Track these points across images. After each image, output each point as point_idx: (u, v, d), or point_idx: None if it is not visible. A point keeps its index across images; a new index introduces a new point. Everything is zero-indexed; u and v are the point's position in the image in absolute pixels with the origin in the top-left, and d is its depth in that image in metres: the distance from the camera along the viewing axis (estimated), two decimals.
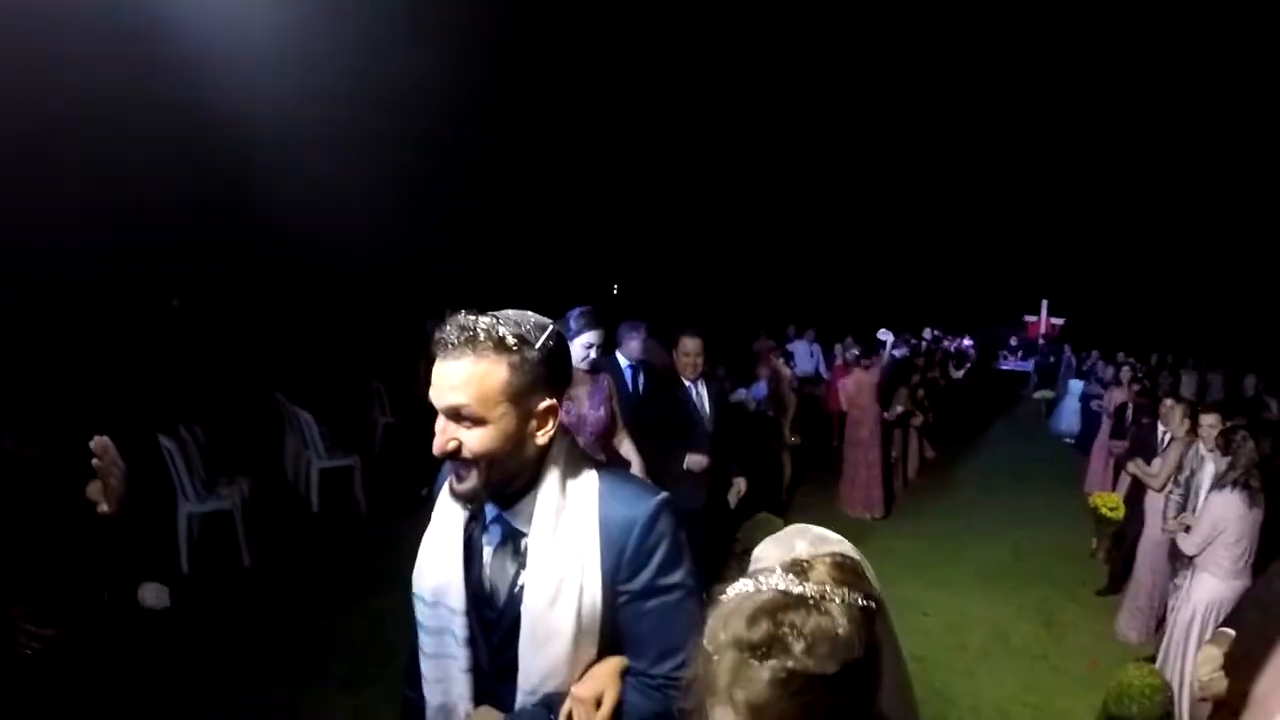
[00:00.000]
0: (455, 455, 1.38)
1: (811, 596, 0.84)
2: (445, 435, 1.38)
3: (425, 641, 1.60)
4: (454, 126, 13.64)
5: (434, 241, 13.95)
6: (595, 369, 3.73)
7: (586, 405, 3.60)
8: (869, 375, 8.05)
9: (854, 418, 8.11)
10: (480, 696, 1.55)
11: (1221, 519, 3.90)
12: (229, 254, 11.64)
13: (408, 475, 7.99)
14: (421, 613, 1.59)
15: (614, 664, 1.47)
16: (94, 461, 2.16)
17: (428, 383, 1.40)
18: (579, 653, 1.45)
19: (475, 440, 1.37)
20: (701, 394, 4.79)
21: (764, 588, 0.86)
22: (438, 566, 1.56)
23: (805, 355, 12.35)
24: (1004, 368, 18.07)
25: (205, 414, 6.27)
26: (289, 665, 4.22)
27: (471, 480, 1.40)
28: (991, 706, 4.16)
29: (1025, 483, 9.15)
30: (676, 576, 1.48)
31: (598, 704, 1.41)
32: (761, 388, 7.89)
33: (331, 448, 6.94)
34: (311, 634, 4.57)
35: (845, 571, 0.91)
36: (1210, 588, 3.93)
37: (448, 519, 1.58)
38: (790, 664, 0.80)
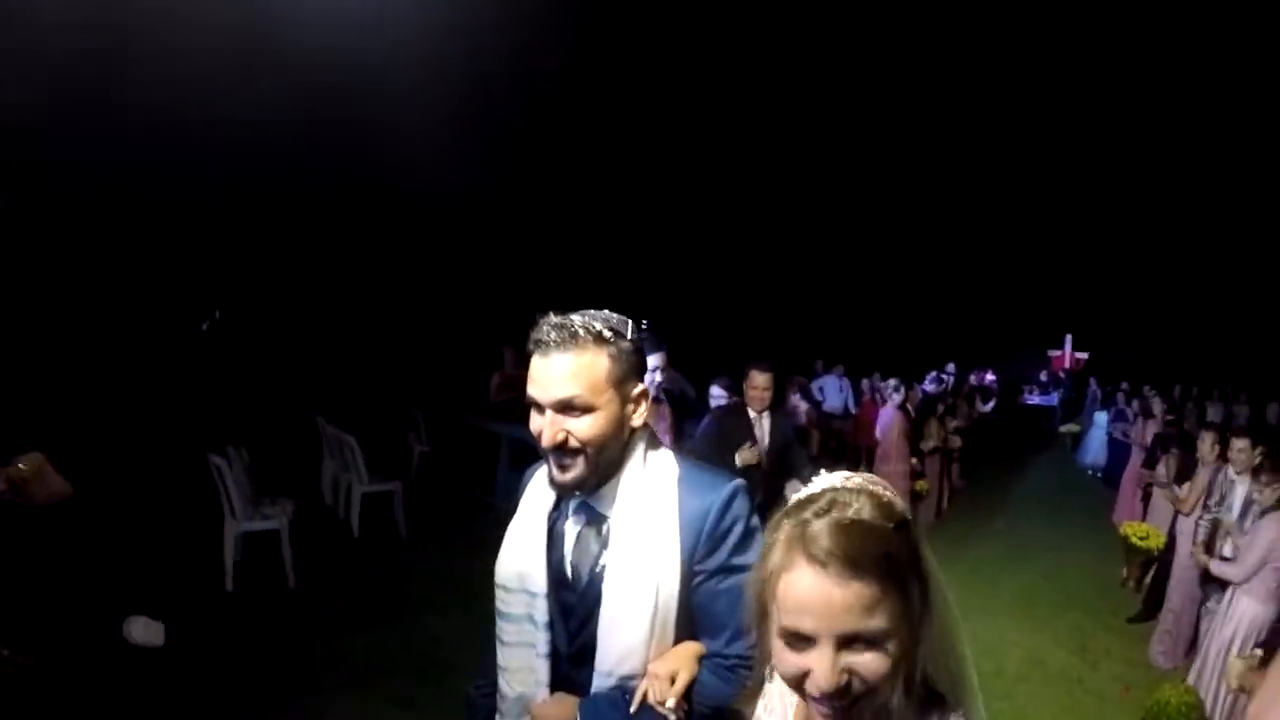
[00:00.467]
0: (563, 446, 1.48)
1: (857, 488, 0.95)
2: (555, 427, 1.47)
3: (505, 629, 1.70)
4: (487, 162, 13.92)
5: (471, 273, 14.16)
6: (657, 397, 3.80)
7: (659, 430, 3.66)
8: (904, 419, 8.37)
9: (884, 452, 8.38)
10: (557, 683, 1.63)
11: (1274, 544, 3.92)
12: (267, 276, 11.87)
13: (444, 502, 8.19)
14: (503, 600, 1.69)
15: (691, 647, 1.54)
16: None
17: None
18: (656, 632, 1.53)
19: (585, 428, 1.47)
20: (764, 428, 4.91)
21: (815, 489, 0.98)
22: (521, 553, 1.67)
23: (835, 390, 12.44)
24: (1029, 402, 18.03)
25: (248, 436, 6.43)
26: (340, 681, 4.30)
27: (578, 468, 1.50)
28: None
29: (1054, 514, 9.20)
30: (749, 557, 1.52)
31: (672, 681, 1.47)
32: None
33: (374, 472, 7.10)
34: (361, 653, 4.66)
35: (879, 485, 0.99)
36: (1253, 610, 3.96)
37: (532, 510, 1.69)
38: (849, 514, 0.90)
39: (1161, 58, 17.45)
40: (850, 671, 0.87)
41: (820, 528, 0.89)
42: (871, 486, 0.96)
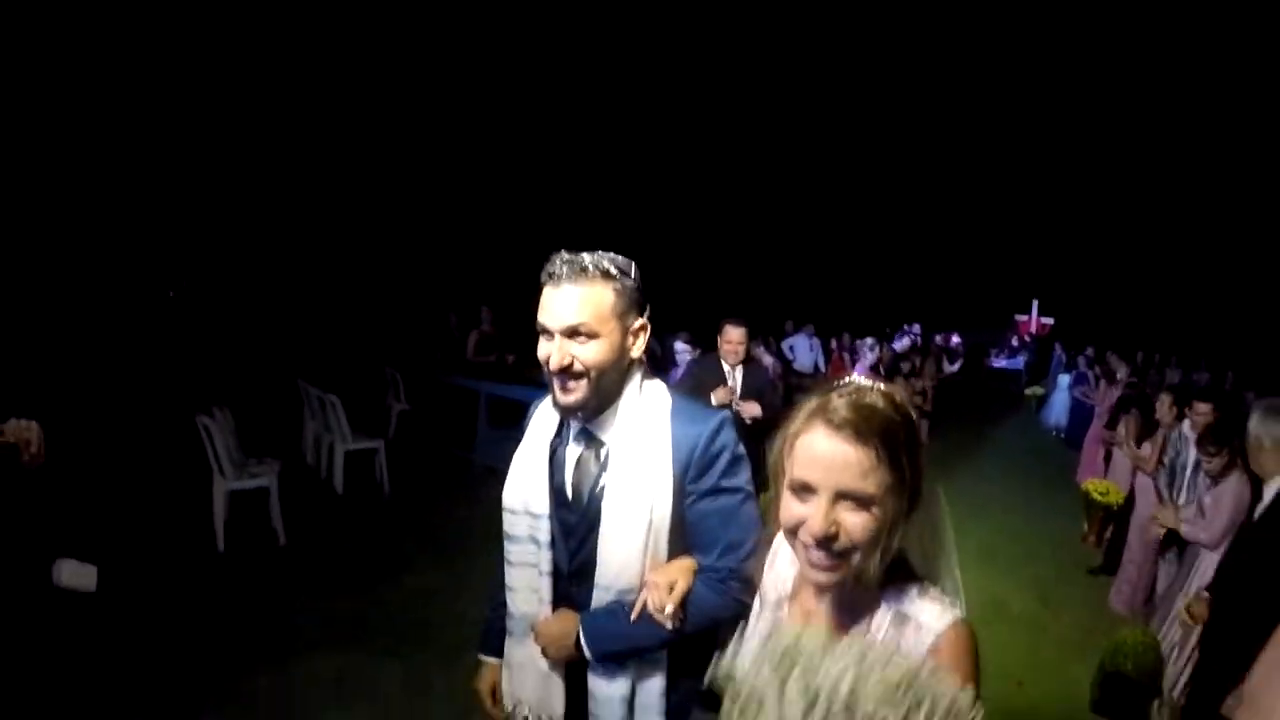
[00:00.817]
0: (568, 369, 1.63)
1: (877, 388, 1.17)
2: (562, 351, 1.62)
3: (511, 550, 1.84)
4: (464, 123, 13.85)
5: (445, 234, 14.13)
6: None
7: None
8: (874, 379, 8.48)
9: None
10: (558, 600, 1.78)
11: (1239, 506, 3.97)
12: (240, 242, 11.79)
13: (425, 459, 8.28)
14: (509, 523, 1.83)
15: (684, 561, 1.70)
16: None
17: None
18: (651, 548, 1.68)
19: (589, 353, 1.63)
20: (737, 378, 5.12)
21: (844, 382, 1.19)
22: (525, 478, 1.81)
23: (805, 350, 12.61)
24: (995, 365, 18.43)
25: (231, 398, 6.47)
26: (332, 636, 4.41)
27: (581, 390, 1.65)
28: (996, 668, 4.43)
29: (1018, 473, 9.49)
30: (738, 481, 1.72)
31: (670, 590, 1.62)
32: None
33: (355, 431, 7.17)
34: (351, 608, 4.78)
35: (896, 391, 1.20)
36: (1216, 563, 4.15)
37: (535, 438, 1.84)
38: (867, 399, 1.12)
39: (1120, 25, 17.66)
40: (838, 525, 1.06)
41: (840, 402, 1.11)
42: (889, 389, 1.17)
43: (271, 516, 5.82)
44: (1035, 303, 22.32)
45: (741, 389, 5.07)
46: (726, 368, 5.10)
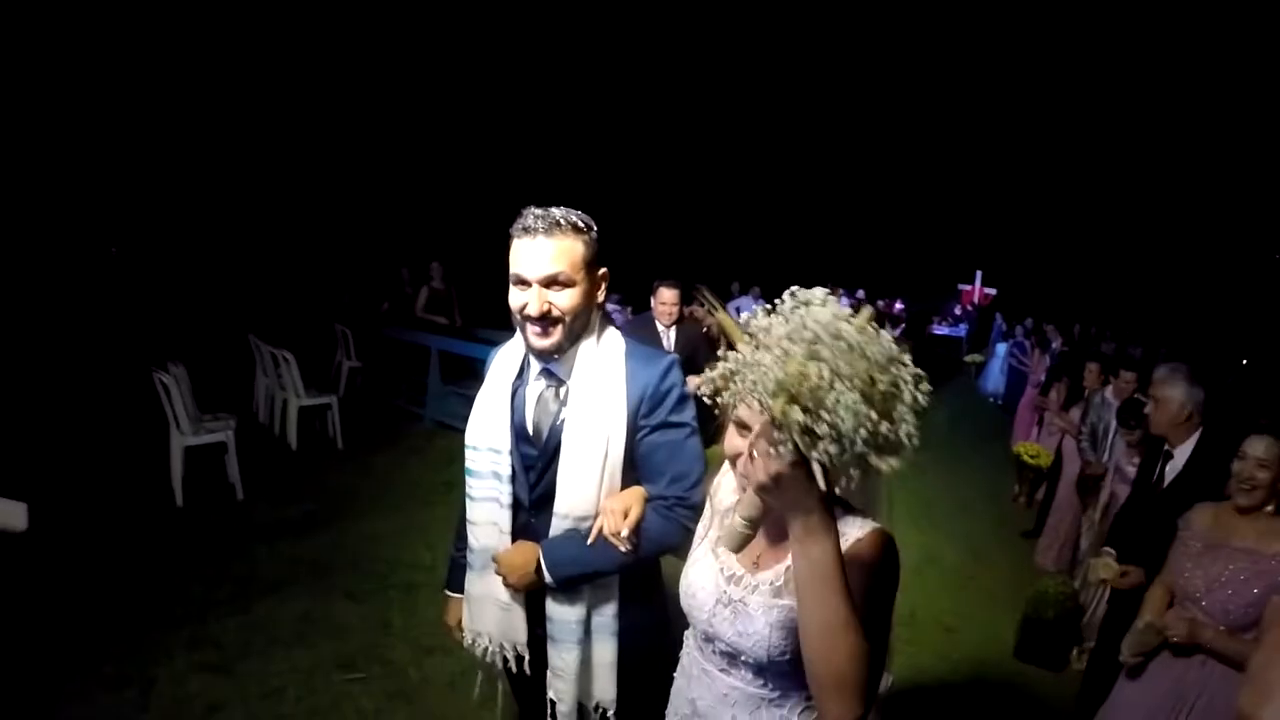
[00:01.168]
0: (546, 315, 1.77)
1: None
2: (541, 299, 1.76)
3: (473, 485, 1.98)
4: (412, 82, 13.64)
5: (394, 192, 13.97)
6: None
7: None
8: None
9: None
10: (517, 533, 1.92)
11: None
12: (186, 198, 11.52)
13: (375, 414, 8.34)
14: (472, 459, 1.97)
15: (636, 490, 1.86)
16: None
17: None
18: (608, 478, 1.83)
19: (566, 299, 1.78)
20: (671, 339, 5.29)
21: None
22: (488, 416, 1.95)
23: (751, 311, 12.79)
24: (937, 332, 18.89)
25: (183, 354, 6.43)
26: (294, 581, 4.53)
27: (556, 334, 1.79)
28: (927, 615, 4.72)
29: (955, 434, 9.84)
30: (684, 417, 1.88)
31: (625, 516, 1.79)
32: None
33: (308, 388, 7.18)
34: (310, 555, 4.89)
35: None
36: None
37: (497, 379, 1.98)
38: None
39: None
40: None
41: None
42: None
43: (229, 471, 5.84)
44: (979, 273, 22.87)
45: (675, 349, 5.21)
46: (660, 328, 5.28)
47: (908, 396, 1.11)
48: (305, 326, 9.31)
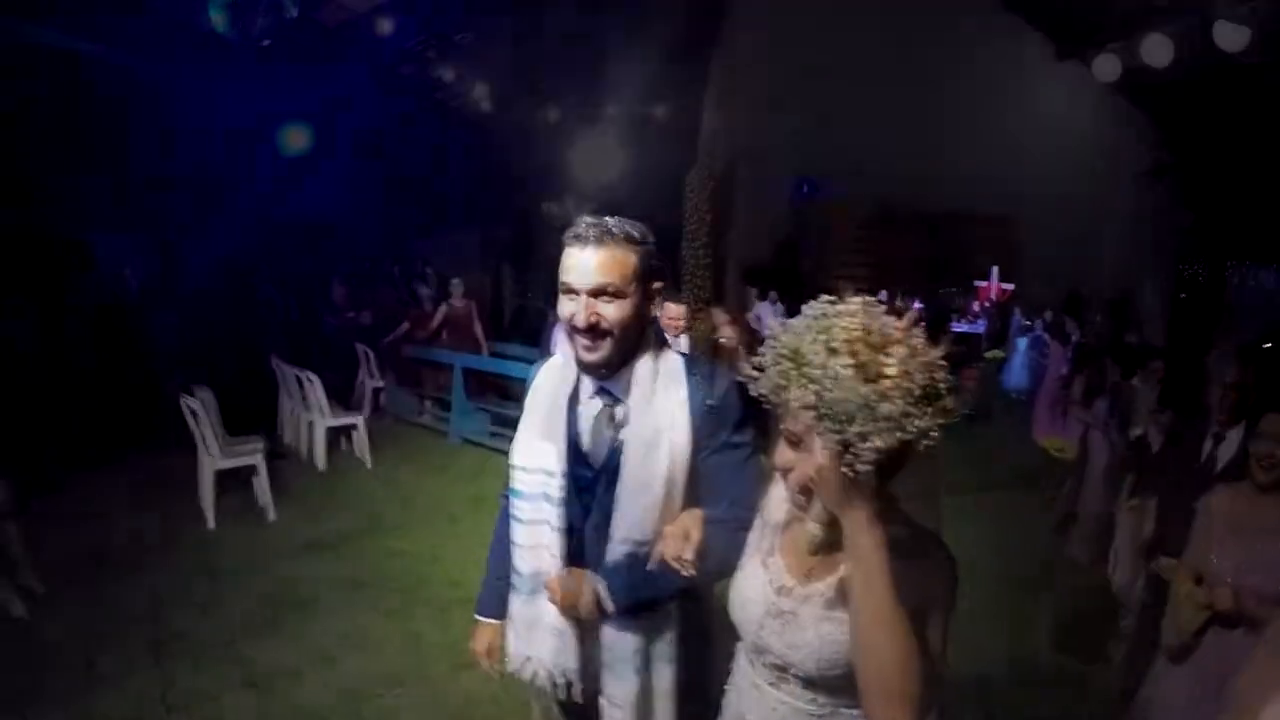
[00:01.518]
0: (594, 327, 1.71)
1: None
2: (589, 310, 1.69)
3: (521, 508, 1.87)
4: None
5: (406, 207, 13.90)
6: None
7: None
8: None
9: None
10: (570, 558, 1.81)
11: None
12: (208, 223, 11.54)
13: (400, 432, 8.40)
14: (520, 480, 1.87)
15: (695, 512, 1.74)
16: None
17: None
18: (668, 501, 1.74)
19: (614, 311, 1.71)
20: (684, 349, 5.29)
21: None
22: (539, 436, 1.86)
23: (770, 317, 12.86)
24: (956, 329, 18.77)
25: (210, 379, 6.51)
26: (328, 600, 4.58)
27: (605, 348, 1.73)
28: (961, 609, 4.67)
29: (978, 430, 9.79)
30: (745, 437, 1.79)
31: (686, 539, 1.67)
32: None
33: (334, 407, 7.27)
34: (344, 573, 4.93)
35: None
36: None
37: (547, 398, 1.89)
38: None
39: None
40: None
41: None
42: None
43: (257, 493, 5.90)
44: (994, 269, 22.80)
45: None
46: (670, 340, 5.29)
47: (938, 393, 1.19)
48: (327, 347, 9.39)
